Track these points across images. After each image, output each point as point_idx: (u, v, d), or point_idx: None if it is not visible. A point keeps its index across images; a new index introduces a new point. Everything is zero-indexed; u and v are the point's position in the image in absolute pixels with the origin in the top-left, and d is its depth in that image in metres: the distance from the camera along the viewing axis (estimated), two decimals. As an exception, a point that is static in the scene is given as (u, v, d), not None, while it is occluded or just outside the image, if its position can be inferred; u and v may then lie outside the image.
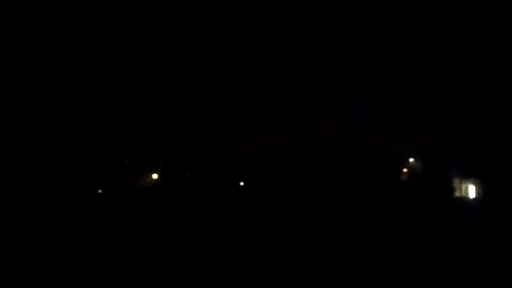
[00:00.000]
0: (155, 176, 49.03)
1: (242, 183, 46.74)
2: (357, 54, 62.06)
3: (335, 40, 63.28)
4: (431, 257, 24.82)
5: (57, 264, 23.27)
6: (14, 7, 47.35)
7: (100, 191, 44.11)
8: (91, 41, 59.03)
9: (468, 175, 36.36)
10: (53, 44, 55.84)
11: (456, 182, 36.91)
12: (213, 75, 66.05)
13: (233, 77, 65.60)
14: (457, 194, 36.61)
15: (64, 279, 21.47)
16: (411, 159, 45.77)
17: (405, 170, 43.62)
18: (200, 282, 21.83)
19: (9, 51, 49.30)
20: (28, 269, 22.39)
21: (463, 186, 36.89)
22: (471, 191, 36.50)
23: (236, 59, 66.41)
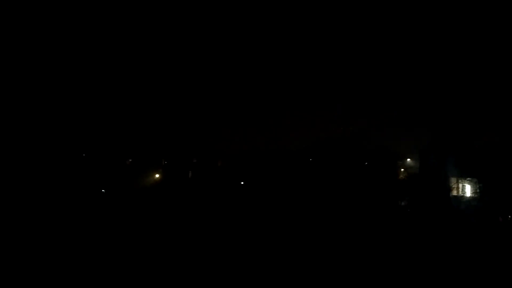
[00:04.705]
0: (157, 175, 49.36)
1: (242, 182, 47.00)
2: (357, 55, 62.54)
3: (336, 42, 63.72)
4: (429, 255, 25.31)
5: (62, 262, 23.73)
6: (15, 7, 47.73)
7: (103, 190, 44.36)
8: (95, 44, 59.48)
9: (464, 174, 36.61)
10: (57, 47, 56.24)
11: (453, 181, 37.17)
12: (214, 76, 66.45)
13: (233, 77, 65.93)
14: (454, 193, 36.84)
15: (68, 276, 21.93)
16: (408, 159, 46.15)
17: (402, 169, 43.87)
18: (200, 280, 22.28)
19: (11, 52, 49.65)
20: (32, 267, 22.86)
21: (460, 185, 37.15)
22: (468, 190, 36.78)
23: (237, 59, 66.75)
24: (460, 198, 36.10)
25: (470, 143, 39.01)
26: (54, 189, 40.23)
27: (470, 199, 35.55)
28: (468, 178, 36.57)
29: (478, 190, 34.78)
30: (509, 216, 32.34)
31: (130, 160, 52.23)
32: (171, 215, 36.32)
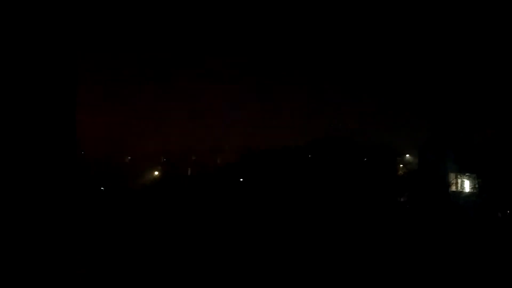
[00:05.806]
0: (156, 173, 49.37)
1: (241, 179, 47.02)
2: (356, 53, 62.65)
3: (334, 39, 63.77)
4: (427, 250, 25.31)
5: (59, 262, 23.70)
6: (14, 7, 47.60)
7: (102, 188, 44.35)
8: (92, 42, 59.37)
9: (463, 170, 36.68)
10: (51, 43, 56.16)
11: (451, 176, 37.24)
12: (213, 72, 66.48)
13: (232, 74, 65.98)
14: (453, 188, 36.91)
15: (65, 277, 21.89)
16: (407, 155, 46.24)
17: (401, 165, 43.95)
18: (200, 279, 22.28)
19: (9, 52, 49.56)
20: (29, 268, 22.82)
21: (459, 180, 37.23)
22: (467, 185, 36.85)
23: (236, 55, 66.79)
24: (459, 194, 36.20)
25: (469, 138, 39.10)
26: (52, 187, 40.14)
27: (469, 194, 35.64)
28: (467, 174, 36.64)
29: (477, 186, 34.82)
30: (508, 212, 32.36)
31: (129, 157, 52.29)
32: (170, 213, 36.29)
